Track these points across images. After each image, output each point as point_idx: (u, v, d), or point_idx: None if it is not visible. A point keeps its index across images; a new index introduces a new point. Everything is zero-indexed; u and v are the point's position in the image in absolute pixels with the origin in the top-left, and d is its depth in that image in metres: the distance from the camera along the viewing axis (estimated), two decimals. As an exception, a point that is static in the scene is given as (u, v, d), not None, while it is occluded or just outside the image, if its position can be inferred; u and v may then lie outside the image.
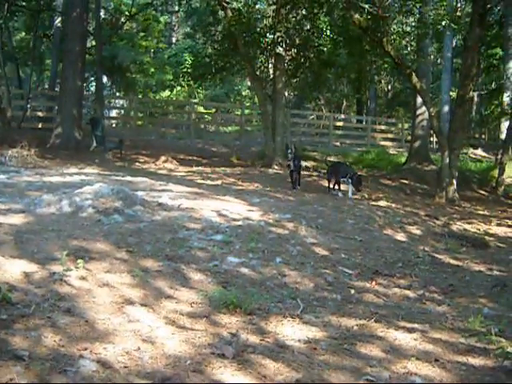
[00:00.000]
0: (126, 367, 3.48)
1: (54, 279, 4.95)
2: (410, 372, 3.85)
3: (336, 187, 13.25)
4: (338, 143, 29.16)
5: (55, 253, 5.69)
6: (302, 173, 16.03)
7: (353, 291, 5.97)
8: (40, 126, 21.82)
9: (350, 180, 12.76)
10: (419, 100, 19.24)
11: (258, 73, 20.55)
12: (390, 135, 32.68)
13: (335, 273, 6.58)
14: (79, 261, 5.41)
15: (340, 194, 12.89)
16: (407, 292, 6.28)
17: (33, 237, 6.30)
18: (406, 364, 3.97)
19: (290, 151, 13.30)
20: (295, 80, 22.56)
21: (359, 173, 14.22)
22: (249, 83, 34.61)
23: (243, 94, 39.72)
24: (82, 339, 3.83)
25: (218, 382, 3.48)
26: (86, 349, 3.66)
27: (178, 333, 4.18)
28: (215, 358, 3.81)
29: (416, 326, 4.86)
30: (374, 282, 6.43)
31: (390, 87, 41.55)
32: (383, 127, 33.69)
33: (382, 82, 39.59)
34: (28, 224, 6.92)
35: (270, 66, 21.98)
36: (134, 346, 3.79)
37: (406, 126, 31.30)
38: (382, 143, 30.37)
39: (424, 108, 18.63)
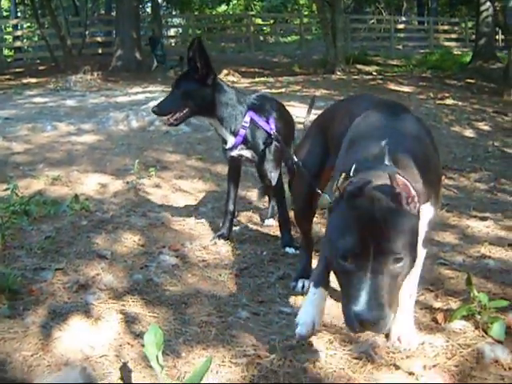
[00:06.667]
0: (204, 260, 3.61)
1: (128, 188, 5.13)
2: (484, 255, 3.86)
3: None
4: (400, 46, 28.36)
5: (127, 165, 5.85)
6: (365, 77, 15.66)
7: (422, 186, 5.95)
8: (100, 51, 21.95)
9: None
10: (483, -5, 18.41)
11: (314, -21, 19.99)
12: (453, 35, 31.54)
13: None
14: (151, 169, 5.56)
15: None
16: (478, 184, 6.22)
17: (104, 152, 6.50)
18: (479, 249, 3.97)
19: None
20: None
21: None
22: (305, -9, 33.81)
23: (301, 2, 38.74)
24: (159, 239, 3.98)
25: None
26: (164, 246, 3.80)
27: (252, 230, 4.30)
28: (290, 249, 3.91)
29: (488, 214, 4.83)
30: (443, 176, 6.39)
31: (451, -15, 39.86)
32: (446, 27, 32.51)
33: (443, -21, 38.00)
34: (99, 141, 7.12)
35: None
36: (210, 242, 3.91)
37: (470, 24, 30.09)
38: (446, 44, 29.38)
39: (488, 3, 17.81)
